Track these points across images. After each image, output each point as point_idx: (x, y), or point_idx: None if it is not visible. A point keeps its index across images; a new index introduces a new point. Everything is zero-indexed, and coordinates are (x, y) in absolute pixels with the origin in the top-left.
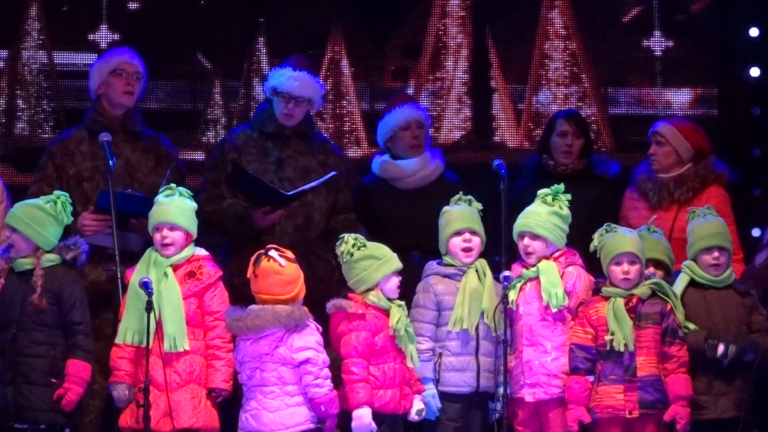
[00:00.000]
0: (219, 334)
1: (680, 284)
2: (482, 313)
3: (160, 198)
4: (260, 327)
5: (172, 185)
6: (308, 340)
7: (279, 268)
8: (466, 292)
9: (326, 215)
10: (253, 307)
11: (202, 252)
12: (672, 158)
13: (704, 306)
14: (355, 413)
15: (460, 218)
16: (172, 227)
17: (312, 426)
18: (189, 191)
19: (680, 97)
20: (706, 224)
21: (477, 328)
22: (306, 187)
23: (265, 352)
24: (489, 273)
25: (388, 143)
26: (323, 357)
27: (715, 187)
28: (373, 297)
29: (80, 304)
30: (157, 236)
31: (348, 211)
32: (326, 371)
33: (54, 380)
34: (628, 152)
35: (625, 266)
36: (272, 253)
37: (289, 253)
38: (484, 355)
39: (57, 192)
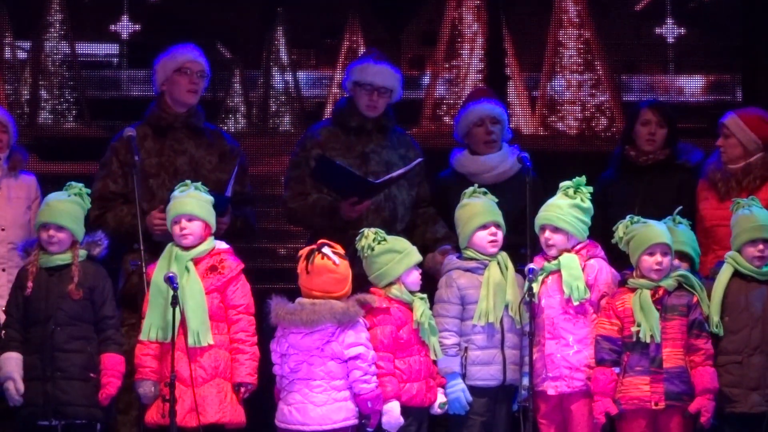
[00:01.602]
0: (243, 328)
1: (724, 275)
2: (506, 306)
3: (175, 193)
4: (315, 322)
5: (187, 182)
6: (360, 337)
7: (333, 266)
8: (490, 285)
9: (410, 209)
10: (304, 300)
11: (222, 245)
12: (738, 150)
13: (745, 298)
14: (385, 407)
15: (486, 212)
16: (191, 218)
17: (355, 421)
18: (205, 186)
19: (693, 83)
20: (751, 216)
21: (501, 321)
22: (393, 174)
23: (316, 346)
24: (511, 266)
25: (464, 139)
26: (372, 354)
27: None
28: (396, 291)
29: (111, 298)
30: (175, 228)
31: (427, 204)
32: (374, 368)
33: (92, 375)
34: None
35: (658, 257)
36: (326, 250)
37: (340, 250)
38: (510, 347)
39: (73, 183)
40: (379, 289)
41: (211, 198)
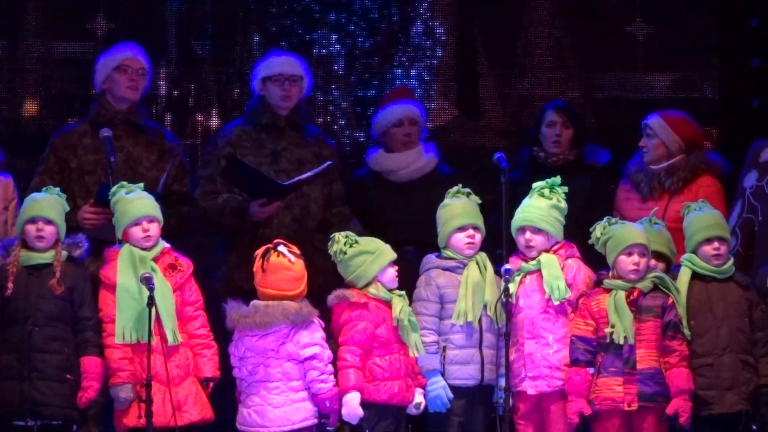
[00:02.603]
0: (202, 324)
1: (683, 277)
2: (485, 306)
3: (122, 194)
4: (268, 324)
5: (125, 184)
6: (314, 337)
7: (288, 264)
8: (469, 284)
9: (323, 207)
10: (257, 303)
11: (165, 243)
12: (661, 150)
13: (706, 298)
14: (344, 398)
15: (464, 213)
16: (151, 219)
17: (315, 421)
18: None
19: (662, 81)
20: (704, 216)
21: (480, 321)
22: (302, 176)
23: (271, 348)
24: (490, 266)
25: (381, 138)
26: (328, 353)
27: (706, 177)
28: (373, 290)
29: (90, 300)
30: (136, 230)
31: (342, 203)
32: (330, 367)
33: (68, 376)
34: (614, 136)
35: (636, 257)
36: (281, 248)
37: (296, 249)
38: (488, 347)
39: (51, 188)
40: (357, 290)
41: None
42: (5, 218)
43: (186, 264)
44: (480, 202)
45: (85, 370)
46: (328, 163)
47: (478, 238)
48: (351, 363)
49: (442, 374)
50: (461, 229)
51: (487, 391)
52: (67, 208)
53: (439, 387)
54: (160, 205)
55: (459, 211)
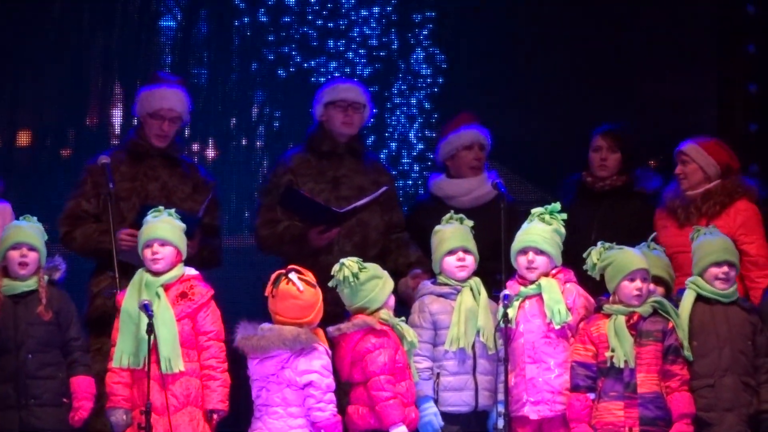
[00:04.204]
0: (214, 354)
1: (687, 300)
2: (478, 332)
3: (148, 218)
4: (265, 348)
5: (160, 207)
6: (313, 364)
7: (296, 293)
8: (462, 311)
9: (383, 233)
10: (264, 326)
11: (192, 271)
12: (698, 175)
13: (711, 320)
14: (394, 431)
15: (453, 237)
16: (163, 243)
17: None
18: (177, 213)
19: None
20: (716, 239)
21: (474, 347)
22: (359, 203)
23: (271, 372)
24: (484, 291)
25: (448, 162)
26: (327, 381)
27: (743, 201)
28: (385, 315)
29: (76, 320)
30: (147, 252)
31: (401, 230)
32: (330, 396)
33: (65, 399)
34: None
35: (639, 282)
36: (292, 275)
37: (310, 276)
38: (482, 373)
39: (28, 216)
40: (366, 315)
41: (183, 225)
42: None
43: (201, 293)
44: (472, 225)
45: (76, 390)
46: (383, 189)
47: (470, 260)
48: (392, 393)
49: (436, 401)
50: (451, 252)
51: (482, 418)
52: (46, 237)
53: (430, 413)
54: (199, 232)
55: (449, 235)
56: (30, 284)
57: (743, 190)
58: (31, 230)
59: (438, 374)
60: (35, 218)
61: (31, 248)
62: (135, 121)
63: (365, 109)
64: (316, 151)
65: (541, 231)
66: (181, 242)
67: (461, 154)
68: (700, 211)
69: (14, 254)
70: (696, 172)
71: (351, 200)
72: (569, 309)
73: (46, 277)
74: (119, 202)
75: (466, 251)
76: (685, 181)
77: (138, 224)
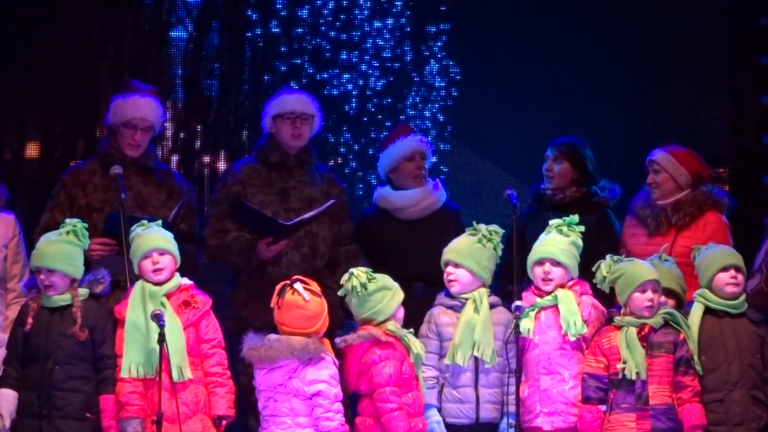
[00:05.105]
0: (218, 362)
1: (696, 313)
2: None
3: (138, 231)
4: (273, 358)
5: (144, 221)
6: (321, 374)
7: (302, 302)
8: (461, 324)
9: (331, 245)
10: (271, 336)
11: (187, 281)
12: (670, 185)
13: (719, 335)
14: None
15: (447, 250)
16: (162, 252)
17: None
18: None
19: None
20: (718, 248)
21: (477, 360)
22: (306, 216)
23: (279, 382)
24: (486, 304)
25: (390, 174)
26: (335, 391)
27: (712, 213)
28: (392, 326)
29: (111, 338)
30: (146, 264)
31: (350, 242)
32: (338, 405)
33: (89, 414)
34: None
35: (650, 294)
36: (297, 285)
37: (315, 286)
38: (485, 386)
39: (70, 220)
40: (372, 326)
41: (170, 234)
42: (4, 255)
43: (202, 302)
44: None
45: (104, 409)
46: (331, 201)
47: (460, 274)
48: (398, 405)
49: (440, 411)
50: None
51: (487, 430)
52: (83, 243)
53: (433, 422)
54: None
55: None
56: (65, 299)
57: (713, 202)
58: (48, 251)
59: (443, 385)
60: (75, 221)
61: (50, 272)
62: (106, 131)
63: (314, 119)
64: (266, 162)
65: (558, 243)
66: (176, 250)
67: (403, 166)
68: (671, 221)
69: (38, 277)
70: (667, 181)
71: (300, 212)
72: (584, 321)
73: (84, 291)
74: (92, 213)
75: (455, 265)
76: (657, 190)
77: (107, 232)
